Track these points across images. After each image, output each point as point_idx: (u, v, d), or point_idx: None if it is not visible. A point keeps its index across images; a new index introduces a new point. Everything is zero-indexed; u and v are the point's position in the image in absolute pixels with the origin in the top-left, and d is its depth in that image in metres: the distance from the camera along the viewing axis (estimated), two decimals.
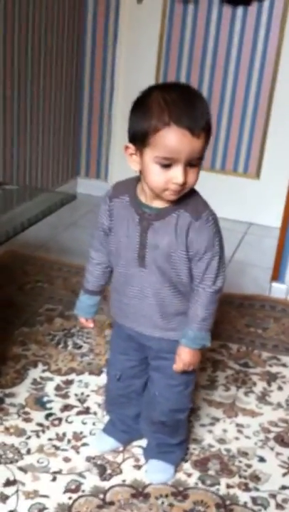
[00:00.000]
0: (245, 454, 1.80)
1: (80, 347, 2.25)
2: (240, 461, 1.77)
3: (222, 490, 1.66)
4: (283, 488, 1.69)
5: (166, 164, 1.34)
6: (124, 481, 1.67)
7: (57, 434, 1.82)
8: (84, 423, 1.88)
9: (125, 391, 1.71)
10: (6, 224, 2.37)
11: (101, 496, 1.61)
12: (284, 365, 2.25)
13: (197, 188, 1.45)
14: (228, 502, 1.62)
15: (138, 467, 1.72)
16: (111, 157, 3.89)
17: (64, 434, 1.82)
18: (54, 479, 1.65)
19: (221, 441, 1.85)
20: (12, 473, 1.65)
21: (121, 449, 1.78)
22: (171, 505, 1.60)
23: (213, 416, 1.95)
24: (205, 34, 3.51)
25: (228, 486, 1.67)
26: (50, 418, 1.88)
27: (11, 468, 1.67)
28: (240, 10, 3.43)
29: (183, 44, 3.57)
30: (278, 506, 1.62)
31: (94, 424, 1.87)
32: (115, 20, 3.62)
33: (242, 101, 3.57)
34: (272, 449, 1.83)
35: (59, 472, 1.68)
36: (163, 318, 1.53)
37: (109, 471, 1.69)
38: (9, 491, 1.60)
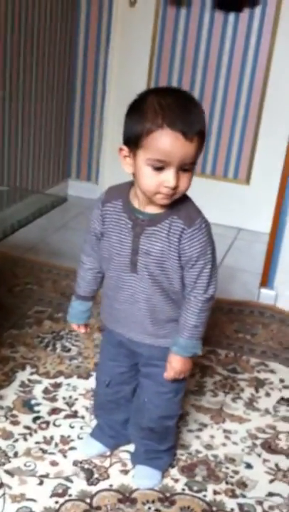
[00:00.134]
0: (232, 460, 1.80)
1: (69, 350, 2.24)
2: (227, 468, 1.77)
3: (209, 496, 1.66)
4: (270, 495, 1.69)
5: (159, 167, 1.33)
6: (111, 485, 1.66)
7: (44, 438, 1.81)
8: (72, 427, 1.87)
9: (114, 397, 1.71)
10: None
11: (88, 500, 1.60)
12: (272, 372, 2.26)
13: (187, 192, 1.44)
14: (214, 508, 1.62)
15: (125, 472, 1.72)
16: (102, 159, 3.89)
17: (51, 438, 1.81)
18: (41, 483, 1.64)
19: (209, 447, 1.85)
20: None
21: (108, 453, 1.77)
22: (157, 510, 1.59)
23: (200, 422, 1.95)
24: (197, 38, 3.53)
25: (215, 493, 1.67)
26: (38, 421, 1.87)
27: None
28: (232, 16, 3.44)
29: (175, 48, 3.58)
30: None
31: (81, 428, 1.87)
32: (108, 23, 3.62)
33: (233, 107, 3.58)
34: (259, 455, 1.84)
35: (46, 476, 1.67)
36: (154, 325, 1.53)
37: (96, 476, 1.69)
38: None
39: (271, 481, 1.74)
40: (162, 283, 1.47)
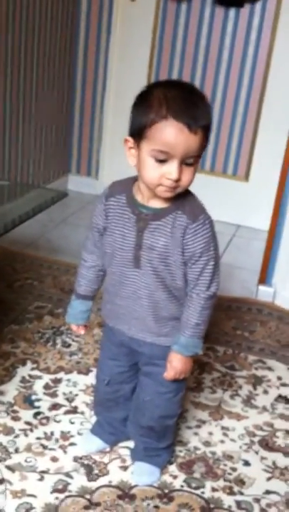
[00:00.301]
0: (230, 457, 1.83)
1: (69, 345, 2.26)
2: (225, 465, 1.79)
3: (207, 493, 1.68)
4: (267, 492, 1.71)
5: (162, 159, 1.34)
6: (110, 481, 1.68)
7: (45, 433, 1.83)
8: (72, 422, 1.89)
9: (113, 396, 1.72)
10: None
11: (88, 496, 1.63)
12: (270, 369, 2.28)
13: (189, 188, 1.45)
14: (212, 505, 1.64)
15: (124, 468, 1.74)
16: (102, 154, 3.89)
17: (52, 434, 1.83)
18: (41, 479, 1.66)
19: (207, 444, 1.87)
20: (0, 471, 1.67)
21: (108, 449, 1.79)
22: (156, 507, 1.62)
23: (199, 418, 1.97)
24: (197, 33, 3.53)
25: (213, 490, 1.70)
26: (39, 417, 1.89)
27: None
28: (232, 11, 3.45)
29: (175, 43, 3.58)
30: (262, 511, 1.65)
31: (82, 423, 1.89)
32: (108, 18, 3.62)
33: (232, 102, 3.59)
34: (256, 452, 1.86)
35: (46, 472, 1.69)
36: (156, 322, 1.53)
37: (96, 472, 1.71)
38: None
39: (268, 479, 1.76)
40: (165, 279, 1.48)
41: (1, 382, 2.02)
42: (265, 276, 2.84)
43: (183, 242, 1.43)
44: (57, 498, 1.61)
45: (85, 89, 3.80)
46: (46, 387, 2.03)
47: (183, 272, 1.47)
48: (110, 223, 1.51)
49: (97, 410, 1.82)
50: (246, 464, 1.81)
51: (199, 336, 1.52)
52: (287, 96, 3.45)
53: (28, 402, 1.95)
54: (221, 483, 1.73)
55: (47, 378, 2.07)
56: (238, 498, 1.68)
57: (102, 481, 1.68)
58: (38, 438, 1.81)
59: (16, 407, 1.92)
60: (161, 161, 1.34)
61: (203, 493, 1.68)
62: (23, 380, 2.05)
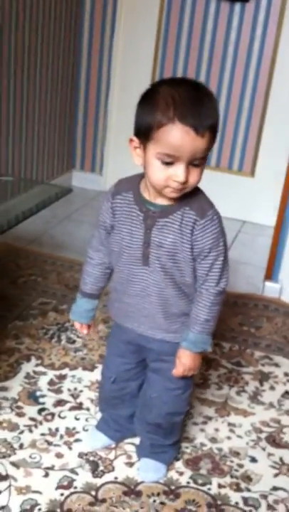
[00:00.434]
0: (236, 453, 1.81)
1: (74, 342, 2.24)
2: (231, 461, 1.78)
3: (213, 489, 1.66)
4: (275, 489, 1.69)
5: (168, 161, 1.32)
6: (116, 478, 1.67)
7: (50, 430, 1.81)
8: (77, 419, 1.87)
9: (119, 393, 1.71)
10: (0, 217, 2.35)
11: (93, 492, 1.61)
12: (276, 365, 2.26)
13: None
14: (219, 502, 1.63)
15: (130, 464, 1.72)
16: (106, 150, 3.88)
17: (57, 430, 1.82)
18: (46, 475, 1.65)
19: (213, 440, 1.85)
20: (4, 468, 1.65)
21: (113, 446, 1.78)
22: (162, 503, 1.60)
23: (205, 415, 1.96)
24: (202, 28, 3.51)
25: (220, 486, 1.68)
26: (43, 413, 1.88)
27: (3, 462, 1.67)
28: (237, 6, 3.42)
29: (180, 38, 3.56)
30: (269, 507, 1.63)
31: (87, 420, 1.87)
32: (113, 11, 3.60)
33: (238, 98, 3.57)
34: (263, 449, 1.84)
35: (51, 468, 1.67)
36: (166, 318, 1.52)
37: (101, 468, 1.69)
38: (1, 486, 1.59)
39: (275, 475, 1.74)
40: (174, 275, 1.46)
41: (5, 378, 2.00)
42: (271, 272, 2.82)
43: (192, 239, 1.42)
44: (62, 494, 1.59)
45: (89, 84, 3.78)
46: (51, 383, 2.01)
47: (192, 268, 1.46)
48: (117, 221, 1.49)
49: (102, 407, 1.81)
50: (253, 460, 1.79)
51: (208, 332, 1.50)
52: None
53: (33, 398, 1.93)
54: (227, 479, 1.71)
55: (51, 374, 2.05)
56: (245, 494, 1.66)
57: (108, 477, 1.67)
58: (43, 434, 1.79)
59: (20, 403, 1.90)
60: (168, 163, 1.32)
61: (209, 489, 1.66)
62: (27, 376, 2.03)
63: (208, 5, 3.46)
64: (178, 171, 1.32)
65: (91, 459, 1.72)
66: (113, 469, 1.70)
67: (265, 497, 1.66)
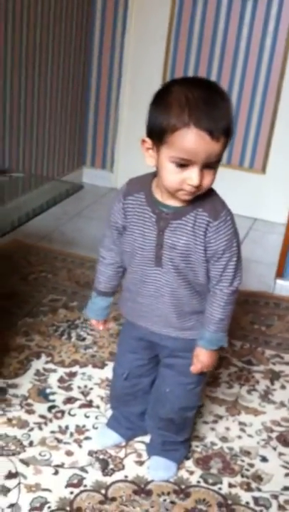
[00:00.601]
0: (247, 453, 1.79)
1: (84, 339, 2.24)
2: (242, 460, 1.76)
3: (224, 489, 1.65)
4: (286, 489, 1.68)
5: (182, 164, 1.31)
6: (126, 476, 1.66)
7: (59, 427, 1.81)
8: (87, 416, 1.87)
9: (132, 390, 1.70)
10: (11, 213, 2.35)
11: (103, 491, 1.60)
12: (287, 364, 2.24)
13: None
14: (229, 501, 1.62)
15: (140, 463, 1.71)
16: (117, 147, 3.86)
17: (67, 427, 1.81)
18: (56, 473, 1.64)
19: (224, 439, 1.84)
20: (14, 465, 1.65)
21: (123, 444, 1.77)
22: (173, 502, 1.59)
23: (216, 413, 1.94)
24: (214, 24, 3.48)
25: (230, 485, 1.67)
26: (53, 410, 1.87)
27: (13, 460, 1.66)
28: (250, 2, 3.40)
29: (192, 35, 3.53)
30: (280, 507, 1.62)
31: (97, 417, 1.87)
32: (124, 10, 3.59)
33: (249, 94, 3.54)
34: (274, 448, 1.83)
35: (61, 466, 1.67)
36: (179, 317, 1.52)
37: (111, 466, 1.69)
38: (11, 483, 1.59)
39: (287, 475, 1.73)
40: (187, 276, 1.46)
41: (15, 376, 2.00)
42: (282, 270, 2.80)
43: (205, 241, 1.41)
44: (72, 492, 1.59)
45: (100, 82, 3.77)
46: (61, 380, 2.01)
47: (205, 269, 1.45)
48: (129, 222, 1.48)
49: (113, 405, 1.80)
50: (264, 459, 1.78)
51: (223, 329, 1.51)
52: None
53: (43, 395, 1.93)
54: (238, 479, 1.70)
55: (61, 372, 2.05)
56: (256, 494, 1.65)
57: (118, 475, 1.66)
58: (53, 432, 1.79)
59: (30, 401, 1.90)
60: (182, 166, 1.31)
61: (220, 489, 1.65)
62: (37, 373, 2.03)
63: (220, 1, 3.43)
64: (192, 175, 1.31)
65: (101, 457, 1.72)
66: (123, 468, 1.69)
67: (276, 497, 1.65)
